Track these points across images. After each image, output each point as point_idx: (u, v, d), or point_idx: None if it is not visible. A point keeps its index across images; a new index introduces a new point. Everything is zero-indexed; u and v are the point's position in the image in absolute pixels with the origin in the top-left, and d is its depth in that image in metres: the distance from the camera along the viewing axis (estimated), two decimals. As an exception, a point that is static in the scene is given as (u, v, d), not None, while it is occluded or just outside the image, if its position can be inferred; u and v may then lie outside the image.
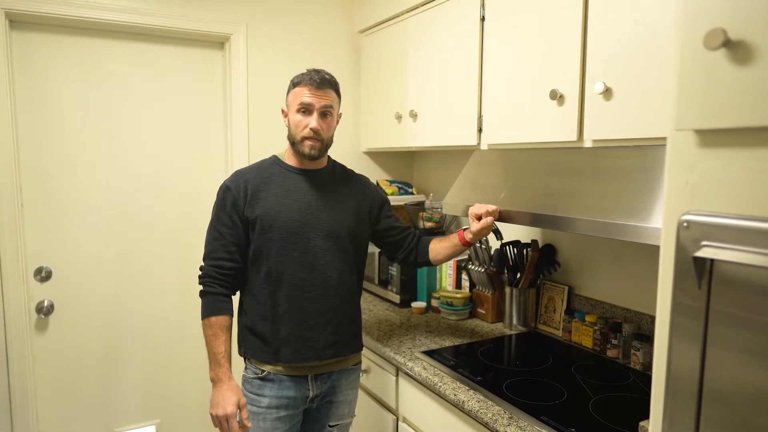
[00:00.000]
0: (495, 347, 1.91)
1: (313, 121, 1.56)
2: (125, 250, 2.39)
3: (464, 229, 1.75)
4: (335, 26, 2.70)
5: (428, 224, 2.49)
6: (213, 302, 1.56)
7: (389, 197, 2.63)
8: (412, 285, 2.39)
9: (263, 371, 1.59)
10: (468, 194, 1.85)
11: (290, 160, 1.67)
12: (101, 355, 2.38)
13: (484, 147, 1.94)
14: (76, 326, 2.32)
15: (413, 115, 2.28)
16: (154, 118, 2.41)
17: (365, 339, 2.00)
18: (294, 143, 1.61)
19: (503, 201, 1.70)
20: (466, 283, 2.31)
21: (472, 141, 1.97)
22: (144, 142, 2.40)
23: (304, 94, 1.56)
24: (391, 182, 2.77)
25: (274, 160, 1.68)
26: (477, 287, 2.24)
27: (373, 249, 2.40)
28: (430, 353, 1.82)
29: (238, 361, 1.68)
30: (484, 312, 2.19)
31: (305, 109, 1.57)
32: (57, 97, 2.22)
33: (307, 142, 1.58)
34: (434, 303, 2.32)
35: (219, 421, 1.49)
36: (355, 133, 2.80)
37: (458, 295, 2.21)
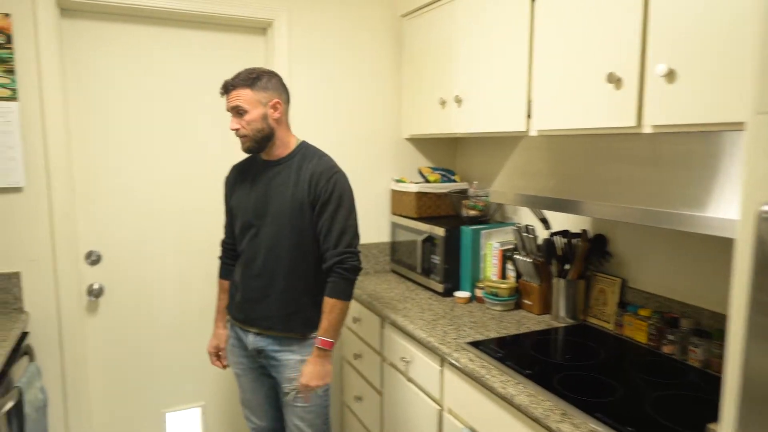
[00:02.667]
0: (543, 340, 1.85)
1: (231, 123, 1.75)
2: (169, 234, 2.43)
3: (318, 341, 1.75)
4: (377, 10, 2.65)
5: (472, 212, 2.44)
6: (221, 267, 2.04)
7: (432, 184, 2.59)
8: (456, 274, 2.35)
9: (228, 318, 1.99)
10: (517, 181, 1.79)
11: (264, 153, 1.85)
12: (148, 337, 2.44)
13: (533, 133, 1.87)
14: (124, 308, 2.38)
15: (458, 101, 2.22)
16: (197, 104, 2.43)
17: (410, 326, 1.98)
18: None
19: (554, 188, 1.64)
20: (511, 273, 2.26)
21: (520, 127, 1.91)
22: (187, 129, 2.42)
23: (228, 101, 1.75)
24: (434, 169, 2.73)
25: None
26: (523, 277, 2.19)
27: (412, 237, 2.37)
28: (475, 344, 1.78)
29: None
30: (530, 303, 2.14)
31: (231, 113, 1.75)
32: (105, 84, 2.26)
33: (241, 140, 1.77)
34: (478, 293, 2.27)
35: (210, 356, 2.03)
36: (396, 120, 2.76)
37: (504, 286, 2.16)
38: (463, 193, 2.54)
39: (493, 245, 2.30)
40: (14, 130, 2.04)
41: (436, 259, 2.37)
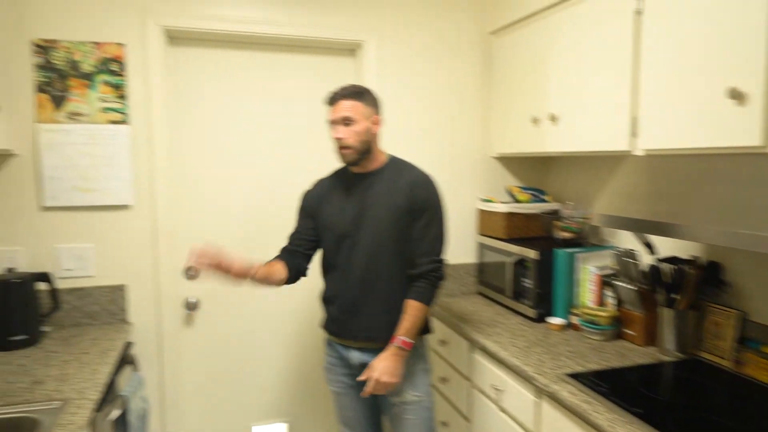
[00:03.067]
0: (650, 374, 1.72)
1: (336, 132, 1.75)
2: (264, 249, 2.48)
3: (397, 339, 1.75)
4: (465, 29, 2.62)
5: (566, 234, 2.33)
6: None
7: (522, 204, 2.50)
8: (549, 299, 2.24)
9: (326, 336, 1.95)
10: (622, 204, 1.68)
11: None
12: (239, 351, 2.50)
13: (638, 152, 1.75)
14: (217, 322, 2.46)
15: (553, 119, 2.14)
16: (291, 123, 2.49)
17: (502, 353, 1.90)
18: (337, 153, 1.81)
19: (665, 212, 1.52)
20: (610, 300, 2.12)
21: (623, 146, 1.80)
22: (278, 147, 2.49)
23: (329, 113, 1.78)
24: (524, 189, 2.64)
25: (346, 167, 1.88)
26: (624, 305, 2.05)
27: (500, 259, 2.29)
28: (575, 376, 1.68)
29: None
30: (633, 333, 2.00)
31: (332, 124, 1.77)
32: (205, 106, 2.37)
33: (340, 150, 1.77)
34: (574, 320, 2.16)
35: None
36: (484, 138, 2.70)
37: (603, 313, 2.03)
38: (555, 214, 2.44)
39: (589, 270, 2.18)
40: (124, 152, 2.17)
41: (528, 282, 2.27)
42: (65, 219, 2.14)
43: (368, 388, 1.76)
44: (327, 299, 1.90)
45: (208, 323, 2.45)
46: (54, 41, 2.08)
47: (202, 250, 1.66)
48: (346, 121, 1.74)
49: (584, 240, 2.37)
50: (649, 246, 2.00)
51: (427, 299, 1.78)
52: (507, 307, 2.46)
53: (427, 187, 1.81)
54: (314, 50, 2.50)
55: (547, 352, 1.90)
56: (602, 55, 1.88)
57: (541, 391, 1.72)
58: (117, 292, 2.21)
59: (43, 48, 2.07)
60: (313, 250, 1.93)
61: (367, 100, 1.78)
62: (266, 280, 1.79)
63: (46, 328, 2.07)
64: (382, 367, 1.73)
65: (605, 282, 2.15)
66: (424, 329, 1.88)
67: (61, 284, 2.14)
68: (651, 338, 1.97)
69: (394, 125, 2.55)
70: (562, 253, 2.21)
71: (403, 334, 1.75)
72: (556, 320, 2.17)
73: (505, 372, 1.92)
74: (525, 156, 2.64)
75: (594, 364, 1.80)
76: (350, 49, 2.55)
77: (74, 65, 2.10)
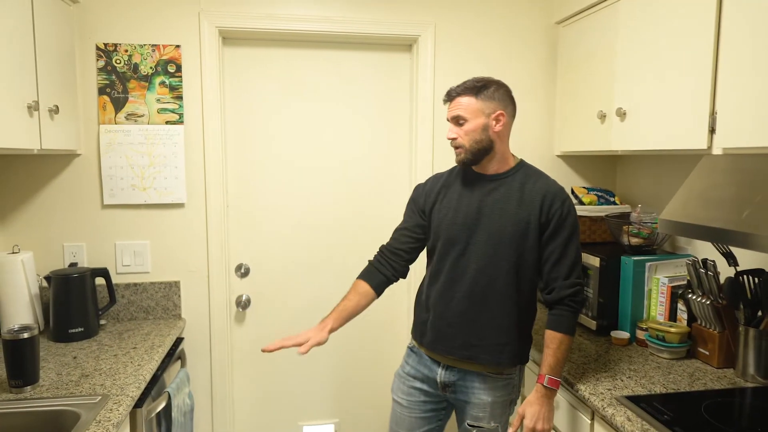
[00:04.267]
0: (725, 402, 1.52)
1: (448, 132, 1.65)
2: (315, 249, 2.48)
3: (545, 378, 1.58)
4: (529, 18, 2.46)
5: (634, 240, 2.13)
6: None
7: (586, 207, 2.33)
8: (612, 311, 2.06)
9: (412, 344, 1.79)
10: (695, 210, 1.50)
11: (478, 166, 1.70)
12: (291, 350, 2.49)
13: (717, 151, 1.55)
14: (268, 321, 2.46)
15: (621, 114, 1.95)
16: (342, 122, 2.45)
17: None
18: None
19: (747, 221, 1.33)
20: (682, 315, 1.92)
21: (700, 144, 1.60)
22: (332, 146, 2.45)
23: (450, 109, 1.66)
24: (589, 190, 2.45)
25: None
26: (698, 322, 1.84)
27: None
28: (635, 399, 1.51)
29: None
30: (707, 353, 1.78)
31: (450, 121, 1.66)
32: (259, 104, 2.37)
33: (456, 151, 1.65)
34: (640, 335, 1.96)
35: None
36: (548, 135, 2.53)
37: (673, 329, 1.83)
38: (623, 218, 2.24)
39: (660, 280, 1.98)
40: (179, 152, 2.22)
41: (590, 292, 2.10)
42: (124, 216, 2.22)
43: None
44: (426, 306, 1.72)
45: (259, 321, 2.46)
46: (116, 45, 2.15)
47: (283, 341, 1.60)
48: (458, 120, 1.61)
49: (656, 247, 2.15)
50: (729, 256, 1.77)
51: (571, 329, 1.59)
52: (567, 317, 2.29)
53: (565, 200, 1.61)
54: (369, 46, 2.44)
55: (605, 370, 1.74)
56: (677, 43, 1.68)
57: (594, 414, 1.57)
58: (171, 288, 2.26)
59: (106, 52, 2.14)
60: (419, 249, 1.77)
61: (487, 94, 1.59)
62: (352, 317, 1.72)
63: (103, 322, 2.16)
64: (534, 413, 1.55)
65: (677, 294, 1.94)
66: (522, 358, 1.69)
67: (119, 279, 2.23)
68: (728, 360, 1.75)
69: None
70: (628, 260, 2.02)
71: (549, 372, 1.56)
72: (619, 334, 1.99)
73: (559, 389, 1.78)
74: (592, 154, 2.45)
75: (659, 386, 1.62)
76: (407, 45, 2.47)
77: (134, 68, 2.16)
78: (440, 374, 1.69)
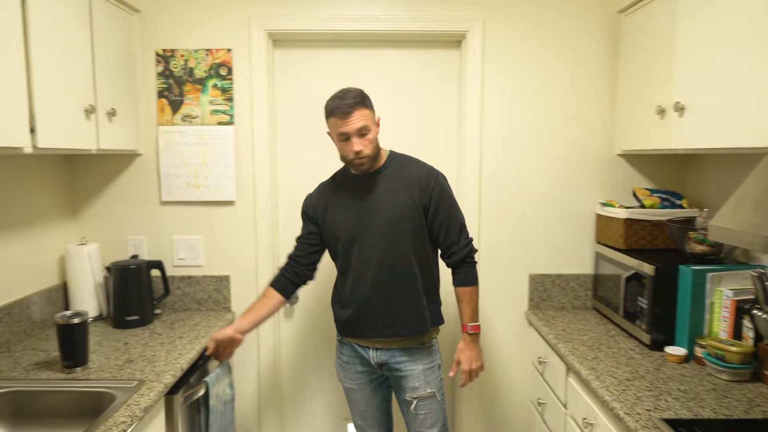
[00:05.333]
0: (783, 435, 1.34)
1: (355, 145, 1.72)
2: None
3: (468, 327, 1.87)
4: (587, 8, 2.31)
5: (699, 248, 1.94)
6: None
7: (646, 210, 2.16)
8: (669, 324, 1.89)
9: (339, 337, 1.97)
10: (749, 216, 1.33)
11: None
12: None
13: (781, 150, 1.37)
14: (316, 317, 2.51)
15: (679, 109, 1.78)
16: (390, 121, 2.43)
17: (594, 383, 1.64)
18: (346, 162, 1.81)
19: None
20: (748, 333, 1.71)
21: (766, 142, 1.42)
22: (385, 144, 2.44)
23: (339, 126, 1.72)
24: (653, 192, 2.26)
25: (345, 169, 1.90)
26: (765, 341, 1.64)
27: (617, 272, 2.01)
28: (674, 423, 1.37)
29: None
30: (773, 377, 1.59)
31: (345, 137, 1.72)
32: (307, 105, 2.42)
33: (356, 161, 1.75)
34: (698, 352, 1.78)
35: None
36: (608, 133, 2.37)
37: (734, 348, 1.64)
38: (687, 223, 2.04)
39: (723, 293, 1.78)
40: (230, 151, 2.31)
41: (644, 302, 1.94)
42: (179, 212, 2.35)
43: (464, 380, 1.88)
44: (342, 303, 1.89)
45: (307, 317, 2.51)
46: (173, 50, 2.28)
47: (216, 342, 1.84)
48: (362, 131, 1.72)
49: (724, 256, 1.95)
50: (802, 269, 1.56)
51: (476, 280, 1.87)
52: (621, 327, 2.13)
53: (437, 177, 1.82)
54: (417, 44, 2.41)
55: (650, 388, 1.60)
56: (745, 30, 1.50)
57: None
58: (222, 282, 2.37)
59: (164, 57, 2.28)
60: (318, 254, 1.94)
61: (369, 103, 1.77)
62: (263, 319, 1.90)
63: (158, 311, 2.30)
64: (468, 357, 1.86)
65: (743, 309, 1.74)
66: (437, 320, 1.90)
67: (175, 272, 2.36)
68: (798, 387, 1.54)
69: (502, 120, 2.35)
70: (687, 270, 1.84)
71: (469, 321, 1.86)
72: (675, 350, 1.82)
73: (597, 405, 1.66)
74: (655, 153, 2.26)
75: (708, 410, 1.46)
76: (455, 41, 2.41)
77: (189, 71, 2.28)
78: (372, 356, 1.87)
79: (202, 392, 1.88)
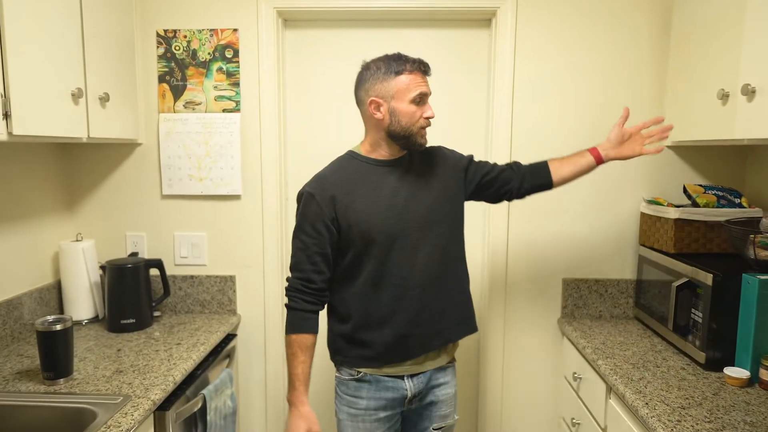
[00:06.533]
0: None
1: (429, 110, 1.49)
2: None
3: (600, 148, 1.66)
4: (636, -19, 2.05)
5: (764, 254, 1.68)
6: (297, 318, 1.50)
7: (701, 209, 1.91)
8: (729, 341, 1.64)
9: (359, 372, 1.53)
10: None
11: (375, 153, 1.54)
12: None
13: None
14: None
15: (749, 92, 1.53)
16: (411, 110, 2.21)
17: (643, 410, 1.41)
18: (406, 136, 1.48)
19: None
20: (827, 355, 1.46)
21: None
22: (400, 137, 2.23)
23: (418, 83, 1.46)
24: (707, 189, 2.00)
25: (352, 156, 1.56)
26: None
27: (665, 278, 1.78)
28: (747, 468, 1.14)
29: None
30: None
31: (420, 99, 1.47)
32: (322, 91, 2.22)
33: (423, 132, 1.50)
34: (764, 375, 1.54)
35: None
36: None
37: (811, 374, 1.40)
38: (750, 225, 1.79)
39: (796, 307, 1.53)
40: (235, 141, 2.13)
41: (699, 315, 1.69)
42: (181, 207, 2.17)
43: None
44: (376, 322, 1.49)
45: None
46: (175, 31, 2.10)
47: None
48: (426, 98, 1.50)
49: (794, 263, 1.69)
50: None
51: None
52: (669, 342, 1.88)
53: (450, 149, 1.67)
54: (441, 23, 2.18)
55: (710, 419, 1.36)
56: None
57: (687, 481, 1.22)
58: (226, 283, 2.19)
59: (166, 38, 2.10)
60: (332, 268, 1.53)
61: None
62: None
63: (158, 313, 2.14)
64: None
65: (821, 328, 1.49)
66: (470, 326, 1.63)
67: (176, 271, 2.20)
68: None
69: (533, 106, 2.11)
70: (753, 279, 1.58)
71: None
72: (735, 372, 1.57)
73: (638, 427, 1.43)
74: (712, 144, 2.00)
75: (784, 451, 1.22)
76: (484, 19, 2.17)
77: (192, 54, 2.10)
78: (408, 387, 1.54)
79: (199, 406, 1.70)
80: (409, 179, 1.52)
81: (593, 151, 1.66)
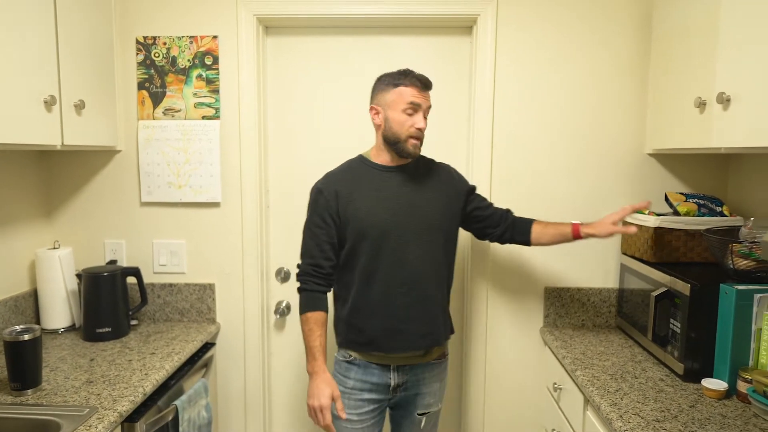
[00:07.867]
0: None
1: (420, 121, 1.60)
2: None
3: (582, 224, 1.73)
4: (616, -12, 2.05)
5: (743, 263, 1.66)
6: (310, 298, 1.65)
7: (681, 218, 1.89)
8: (706, 352, 1.62)
9: (351, 356, 1.69)
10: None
11: (379, 158, 1.69)
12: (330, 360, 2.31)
13: None
14: (308, 331, 2.29)
15: (723, 101, 1.51)
16: (392, 117, 2.20)
17: (617, 423, 1.39)
18: (395, 142, 1.62)
19: None
20: (804, 367, 1.44)
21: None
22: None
23: (413, 95, 1.59)
24: (688, 197, 1.98)
25: (361, 159, 1.71)
26: (826, 379, 1.36)
27: (645, 287, 1.76)
28: (716, 484, 1.12)
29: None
30: (836, 425, 1.31)
31: (413, 110, 1.60)
32: (303, 98, 2.21)
33: (412, 141, 1.62)
34: (741, 387, 1.52)
35: (314, 411, 1.58)
36: (638, 129, 2.10)
37: (787, 386, 1.37)
38: (729, 234, 1.77)
39: (773, 318, 1.51)
40: (215, 148, 2.11)
41: (677, 325, 1.67)
42: (161, 215, 2.16)
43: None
44: (367, 312, 1.64)
45: (300, 329, 2.29)
46: (155, 38, 2.09)
47: (327, 416, 1.58)
48: (426, 113, 1.64)
49: (773, 272, 1.67)
50: None
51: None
52: (649, 352, 1.86)
53: (451, 167, 1.83)
54: (424, 30, 2.17)
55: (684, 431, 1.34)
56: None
57: (657, 496, 1.20)
58: (205, 291, 2.17)
59: (145, 45, 2.09)
60: (338, 256, 1.69)
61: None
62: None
63: (135, 322, 2.12)
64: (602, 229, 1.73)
65: (797, 339, 1.47)
66: (451, 329, 1.79)
67: (155, 279, 2.18)
68: None
69: (516, 115, 2.10)
70: (730, 289, 1.57)
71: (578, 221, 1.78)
72: (713, 383, 1.55)
73: (620, 449, 1.41)
74: (691, 153, 1.99)
75: (756, 466, 1.20)
76: (465, 26, 2.17)
77: (172, 61, 2.09)
78: (393, 377, 1.68)
79: (171, 417, 1.68)
80: (410, 186, 1.66)
81: (574, 227, 1.74)
